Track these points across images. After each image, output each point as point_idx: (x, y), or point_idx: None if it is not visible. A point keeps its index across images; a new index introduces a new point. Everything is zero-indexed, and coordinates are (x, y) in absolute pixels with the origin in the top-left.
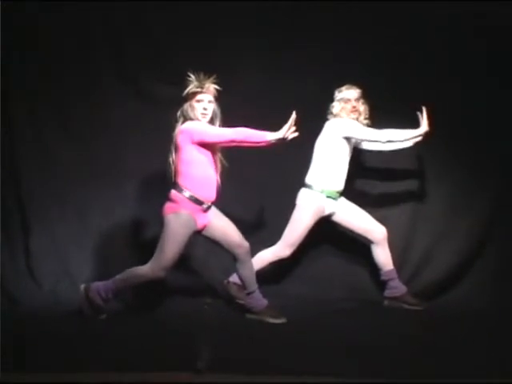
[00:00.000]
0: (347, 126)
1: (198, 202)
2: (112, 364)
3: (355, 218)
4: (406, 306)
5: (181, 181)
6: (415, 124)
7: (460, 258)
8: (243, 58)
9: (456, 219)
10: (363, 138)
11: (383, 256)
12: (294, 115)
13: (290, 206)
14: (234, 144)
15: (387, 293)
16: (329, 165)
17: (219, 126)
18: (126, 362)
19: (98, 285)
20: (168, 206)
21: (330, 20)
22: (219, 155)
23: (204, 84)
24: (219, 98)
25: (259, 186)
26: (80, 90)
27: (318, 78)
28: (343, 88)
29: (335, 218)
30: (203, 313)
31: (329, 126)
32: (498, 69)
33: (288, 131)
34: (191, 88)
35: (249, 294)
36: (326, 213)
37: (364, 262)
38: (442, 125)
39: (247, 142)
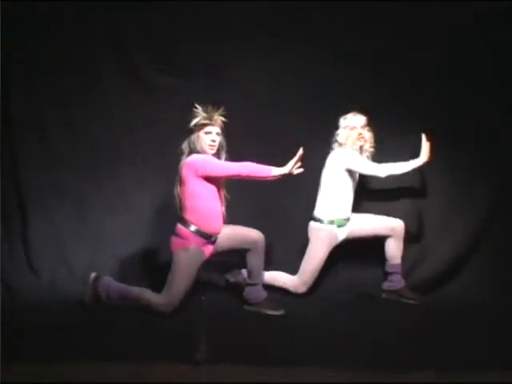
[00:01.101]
0: (348, 158)
1: (206, 236)
2: (111, 354)
3: (374, 225)
4: (404, 300)
5: (187, 215)
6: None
7: (458, 252)
8: (243, 57)
9: (454, 215)
10: (363, 171)
11: (395, 248)
12: (300, 151)
13: (298, 228)
14: (240, 178)
15: (386, 285)
16: (335, 195)
17: (225, 158)
18: (124, 353)
19: (110, 284)
20: (176, 241)
21: (329, 20)
22: (224, 189)
23: (212, 116)
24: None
25: (264, 207)
26: (80, 89)
27: (318, 78)
28: (349, 115)
29: (354, 235)
30: (201, 305)
31: (332, 158)
32: (498, 69)
33: (294, 167)
34: (200, 120)
35: (252, 285)
36: (340, 239)
37: (363, 256)
38: (442, 125)
39: (252, 177)
